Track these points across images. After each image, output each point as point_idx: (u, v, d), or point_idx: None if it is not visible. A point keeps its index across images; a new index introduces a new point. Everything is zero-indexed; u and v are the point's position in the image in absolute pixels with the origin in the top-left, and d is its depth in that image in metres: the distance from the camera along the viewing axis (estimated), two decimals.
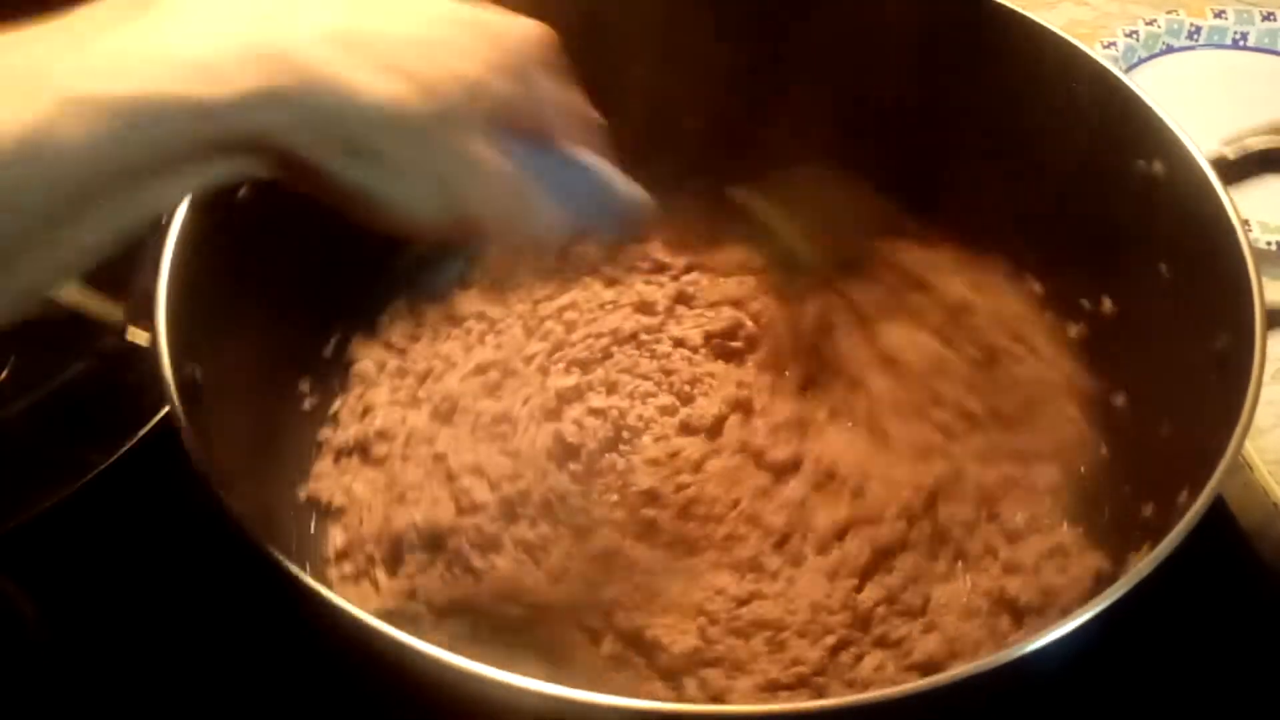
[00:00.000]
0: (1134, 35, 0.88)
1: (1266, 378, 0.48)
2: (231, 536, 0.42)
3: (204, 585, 0.57)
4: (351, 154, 0.38)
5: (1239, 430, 0.45)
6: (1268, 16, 0.90)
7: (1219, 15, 0.90)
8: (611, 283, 0.70)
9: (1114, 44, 0.87)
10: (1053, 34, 0.61)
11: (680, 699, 0.52)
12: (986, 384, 0.61)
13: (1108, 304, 0.62)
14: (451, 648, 0.39)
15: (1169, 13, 0.90)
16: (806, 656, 0.53)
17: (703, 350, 0.67)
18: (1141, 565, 0.42)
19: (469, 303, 0.68)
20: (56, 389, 0.58)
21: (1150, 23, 0.89)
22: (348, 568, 0.58)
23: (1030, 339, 0.63)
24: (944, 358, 0.61)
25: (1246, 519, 0.62)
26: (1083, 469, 0.59)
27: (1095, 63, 0.59)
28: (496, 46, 0.40)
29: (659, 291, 0.69)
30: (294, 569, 0.42)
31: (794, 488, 0.59)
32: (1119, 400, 0.60)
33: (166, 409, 0.55)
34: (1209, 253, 0.52)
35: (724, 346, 0.67)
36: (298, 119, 0.36)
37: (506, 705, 0.39)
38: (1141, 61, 0.88)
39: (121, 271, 0.58)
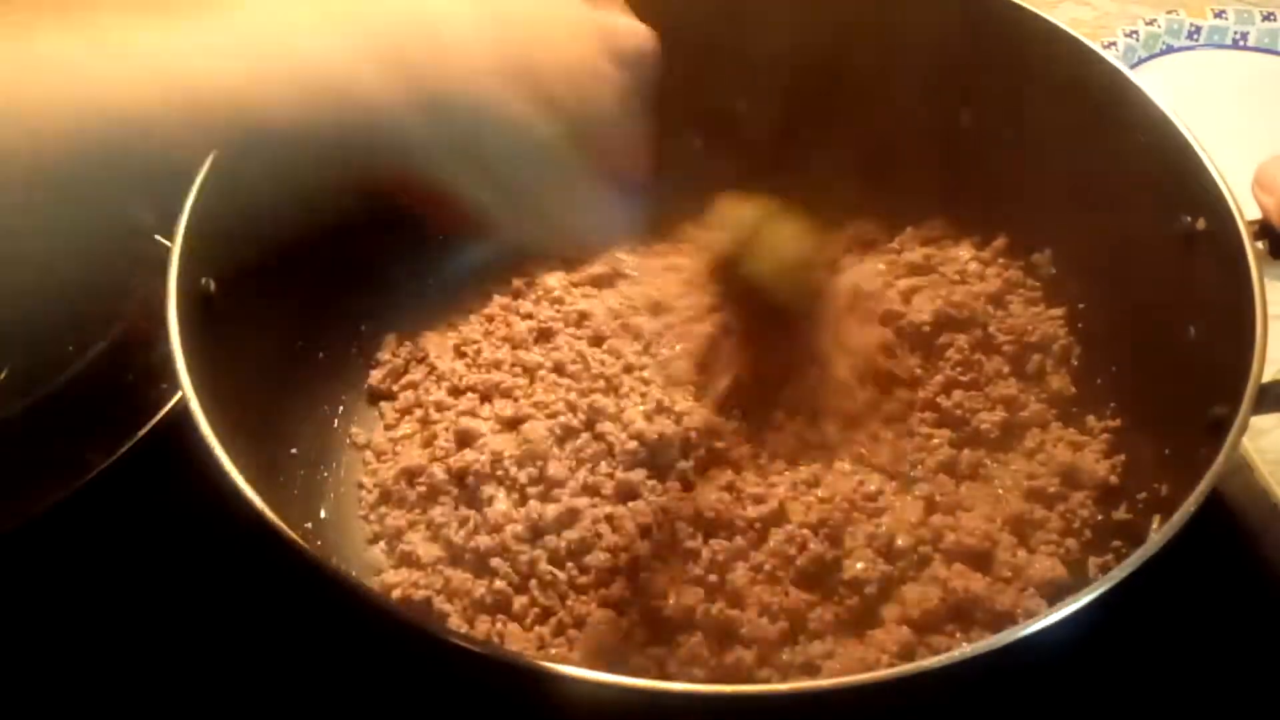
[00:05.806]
0: (1134, 35, 0.88)
1: (1267, 376, 0.48)
2: (230, 526, 0.42)
3: (203, 585, 0.57)
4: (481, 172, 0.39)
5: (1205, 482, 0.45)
6: (1268, 16, 0.90)
7: (1219, 15, 0.90)
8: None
9: (1114, 44, 0.87)
10: (1124, 78, 0.60)
11: None
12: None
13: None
14: None
15: (1169, 13, 0.90)
16: None
17: None
18: (1141, 551, 0.42)
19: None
20: (56, 389, 0.58)
21: (1150, 23, 0.89)
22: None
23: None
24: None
25: (1246, 519, 0.62)
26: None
27: (1160, 112, 0.58)
28: (622, 64, 0.41)
29: None
30: (301, 544, 0.42)
31: None
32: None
33: (168, 408, 0.54)
34: (1230, 321, 0.51)
35: None
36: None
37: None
38: (1141, 61, 0.88)
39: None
